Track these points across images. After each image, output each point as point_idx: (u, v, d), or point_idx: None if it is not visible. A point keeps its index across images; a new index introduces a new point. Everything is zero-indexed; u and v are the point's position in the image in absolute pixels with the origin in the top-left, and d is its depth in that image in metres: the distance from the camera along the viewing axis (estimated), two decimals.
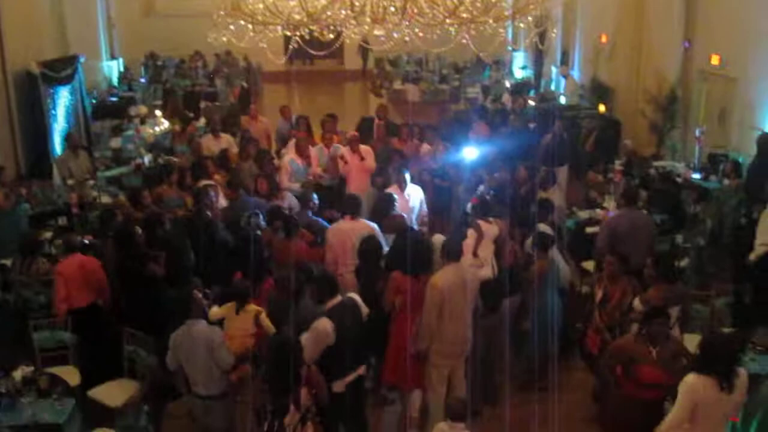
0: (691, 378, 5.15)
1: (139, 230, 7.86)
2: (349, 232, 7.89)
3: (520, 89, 18.90)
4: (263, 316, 6.56)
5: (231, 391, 6.30)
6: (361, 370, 6.30)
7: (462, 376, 6.90)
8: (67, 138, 12.39)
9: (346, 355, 6.13)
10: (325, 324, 6.04)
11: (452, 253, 6.70)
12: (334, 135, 11.48)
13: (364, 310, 6.41)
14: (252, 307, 6.55)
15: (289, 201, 9.26)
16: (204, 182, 9.36)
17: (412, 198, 9.44)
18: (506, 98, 17.69)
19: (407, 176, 9.48)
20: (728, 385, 5.07)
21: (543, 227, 8.03)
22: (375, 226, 8.08)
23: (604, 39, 17.53)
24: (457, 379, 6.87)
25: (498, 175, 10.05)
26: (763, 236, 8.27)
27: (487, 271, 7.56)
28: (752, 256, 8.28)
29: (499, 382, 7.47)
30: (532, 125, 13.66)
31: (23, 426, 5.85)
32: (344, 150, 10.69)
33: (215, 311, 6.62)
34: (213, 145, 11.72)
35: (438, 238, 7.93)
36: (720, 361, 5.12)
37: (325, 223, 8.60)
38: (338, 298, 6.28)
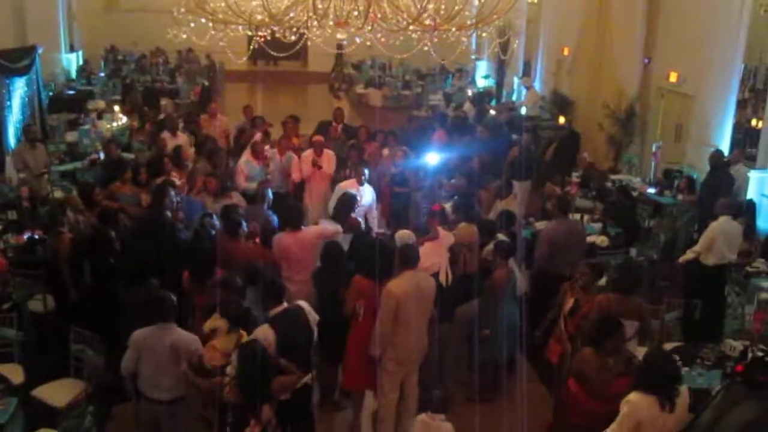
0: (633, 396, 5.12)
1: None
2: (292, 244, 7.75)
3: (481, 98, 19.03)
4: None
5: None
6: (307, 378, 6.08)
7: (415, 383, 6.85)
8: (25, 130, 12.12)
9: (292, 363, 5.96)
10: (265, 331, 5.92)
11: (409, 260, 6.64)
12: (292, 138, 11.43)
13: (313, 317, 6.30)
14: (241, 332, 6.19)
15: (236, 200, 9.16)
16: (162, 179, 9.24)
17: (366, 196, 9.52)
18: (467, 107, 17.80)
19: (365, 171, 9.62)
20: (669, 405, 5.07)
21: (501, 236, 8.06)
22: (317, 229, 8.06)
23: (566, 52, 17.75)
24: (410, 387, 6.82)
25: (455, 181, 10.09)
26: (698, 245, 8.75)
27: (441, 279, 7.54)
28: (681, 259, 8.98)
29: (450, 391, 7.45)
30: (497, 135, 13.72)
31: None
32: (307, 153, 10.61)
33: (209, 324, 6.27)
34: (170, 142, 11.55)
35: (403, 234, 7.92)
36: (661, 379, 5.12)
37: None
38: (283, 306, 6.17)
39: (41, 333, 8.18)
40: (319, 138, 10.90)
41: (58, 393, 6.66)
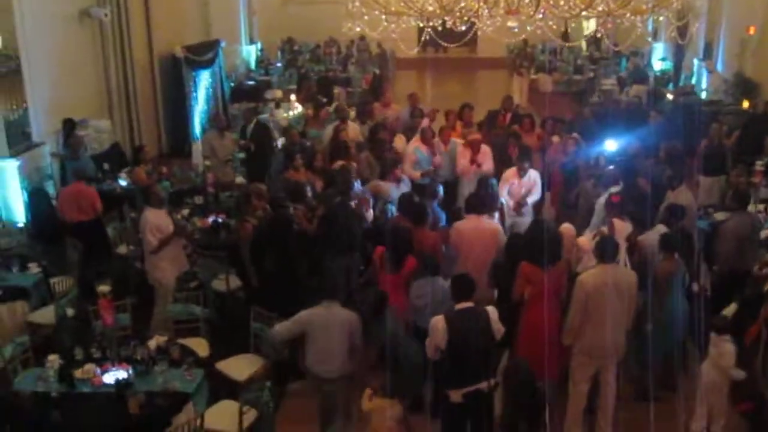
0: None
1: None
2: (473, 231, 7.81)
3: (657, 82, 18.25)
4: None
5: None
6: (483, 385, 5.87)
7: (611, 378, 6.68)
8: (214, 119, 12.86)
9: (465, 364, 5.87)
10: (437, 322, 5.88)
11: (606, 254, 6.51)
12: (456, 128, 11.47)
13: (497, 326, 5.98)
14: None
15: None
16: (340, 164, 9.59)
17: (525, 186, 9.51)
18: (635, 89, 17.10)
19: (526, 164, 9.56)
20: None
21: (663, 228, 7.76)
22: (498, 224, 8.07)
23: (752, 31, 16.61)
24: (605, 381, 6.68)
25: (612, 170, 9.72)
26: None
27: None
28: None
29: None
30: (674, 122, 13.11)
31: (156, 392, 6.17)
32: (462, 149, 10.58)
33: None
34: (355, 130, 11.84)
35: (567, 228, 7.84)
36: None
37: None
38: (467, 305, 5.99)
39: (224, 311, 8.75)
40: (475, 137, 10.71)
41: (239, 367, 7.10)
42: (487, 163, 10.33)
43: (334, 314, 6.30)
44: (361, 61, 23.46)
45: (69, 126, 11.31)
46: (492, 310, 5.99)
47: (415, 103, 12.82)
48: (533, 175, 9.71)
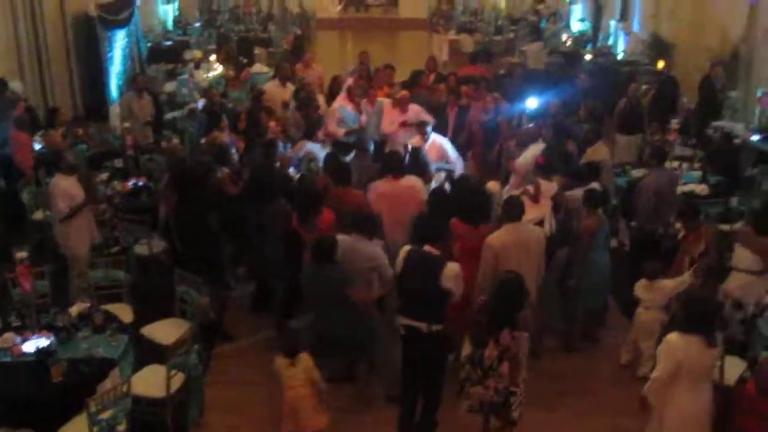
0: (673, 338, 5.19)
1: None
2: (393, 191, 7.81)
3: (576, 43, 18.57)
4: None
5: None
6: (422, 325, 5.90)
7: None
8: (133, 80, 12.52)
9: (408, 299, 6.06)
10: (402, 252, 6.08)
11: (512, 212, 6.62)
12: (383, 87, 11.44)
13: (448, 282, 5.92)
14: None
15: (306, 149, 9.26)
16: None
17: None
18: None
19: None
20: (714, 342, 5.17)
21: (595, 185, 7.94)
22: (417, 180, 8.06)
23: None
24: None
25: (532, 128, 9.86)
26: None
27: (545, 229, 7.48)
28: None
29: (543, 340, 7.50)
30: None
31: (79, 359, 6.04)
32: (389, 108, 10.55)
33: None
34: (278, 93, 11.73)
35: (494, 185, 7.96)
36: (705, 320, 5.18)
37: None
38: (431, 249, 6.07)
39: (148, 275, 8.60)
40: (404, 94, 10.70)
41: (165, 332, 6.97)
42: (422, 116, 10.11)
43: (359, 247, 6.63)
44: (282, 21, 23.09)
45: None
46: (451, 267, 5.92)
47: (365, 62, 12.71)
48: (438, 140, 9.55)
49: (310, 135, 9.60)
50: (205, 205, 7.93)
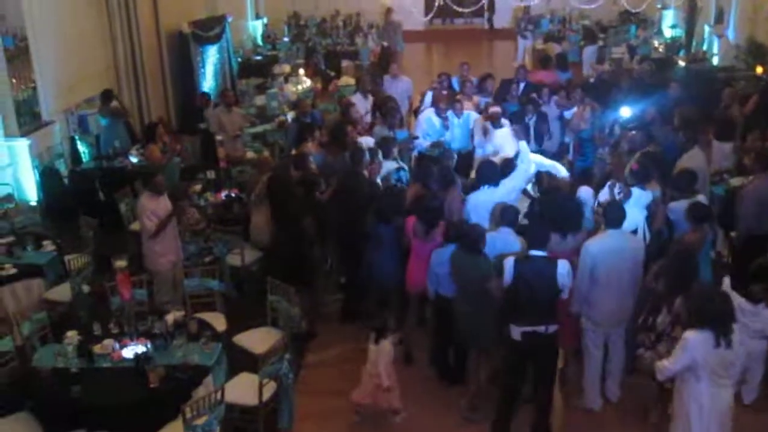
0: (689, 333, 5.21)
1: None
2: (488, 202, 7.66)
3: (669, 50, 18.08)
4: None
5: None
6: (541, 328, 6.02)
7: (619, 343, 6.70)
8: (222, 95, 12.81)
9: (525, 306, 6.07)
10: (507, 262, 6.09)
11: (613, 219, 6.48)
12: (472, 97, 11.38)
13: (563, 279, 6.05)
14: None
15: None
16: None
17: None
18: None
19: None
20: (725, 341, 5.14)
21: (701, 197, 7.67)
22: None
23: None
24: (613, 346, 6.71)
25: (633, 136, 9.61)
26: None
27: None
28: None
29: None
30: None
31: (175, 366, 6.17)
32: (479, 120, 10.51)
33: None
34: (362, 105, 11.79)
35: (585, 191, 7.81)
36: (716, 316, 5.18)
37: None
38: (540, 252, 6.11)
39: (240, 285, 8.75)
40: (495, 110, 10.52)
41: (257, 340, 7.09)
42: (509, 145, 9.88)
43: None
44: (371, 33, 23.19)
45: (106, 96, 11.71)
46: (563, 263, 6.05)
47: (465, 73, 12.70)
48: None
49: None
50: (298, 212, 8.03)
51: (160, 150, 10.74)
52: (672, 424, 5.62)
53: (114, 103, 11.89)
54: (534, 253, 6.10)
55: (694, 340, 5.16)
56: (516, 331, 6.07)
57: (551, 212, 7.09)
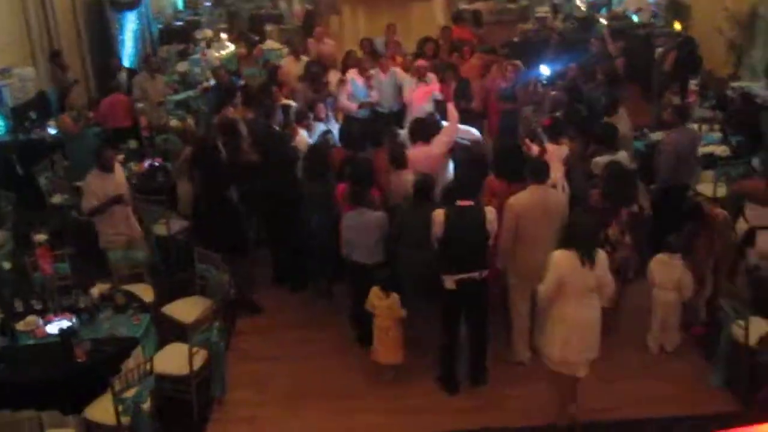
0: (556, 252, 5.65)
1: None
2: (426, 156, 7.74)
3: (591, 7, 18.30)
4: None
5: None
6: (475, 274, 6.21)
7: None
8: (146, 61, 12.49)
9: (458, 255, 6.22)
10: (437, 215, 6.21)
11: (536, 173, 6.54)
12: (395, 56, 11.35)
13: (491, 225, 6.28)
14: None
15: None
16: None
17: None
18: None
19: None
20: (589, 261, 5.53)
21: (623, 153, 7.85)
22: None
23: None
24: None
25: (556, 94, 9.77)
26: None
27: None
28: None
29: None
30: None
31: (102, 339, 6.06)
32: (404, 76, 10.56)
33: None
34: (293, 67, 11.62)
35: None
36: (581, 236, 5.60)
37: None
38: (468, 202, 6.28)
39: (167, 255, 8.62)
40: (422, 63, 10.64)
41: (186, 310, 7.01)
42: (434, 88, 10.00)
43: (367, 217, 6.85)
44: None
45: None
46: (489, 209, 6.30)
47: (391, 35, 12.67)
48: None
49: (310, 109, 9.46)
50: (225, 180, 7.94)
51: (73, 119, 10.38)
52: (540, 338, 6.04)
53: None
54: (462, 202, 6.23)
55: (560, 258, 5.59)
56: (450, 281, 6.22)
57: (499, 160, 7.33)
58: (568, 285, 5.58)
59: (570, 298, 5.63)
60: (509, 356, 6.97)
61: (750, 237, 7.09)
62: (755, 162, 9.19)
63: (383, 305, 6.63)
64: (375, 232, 6.84)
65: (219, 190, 7.90)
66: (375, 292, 6.67)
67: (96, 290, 6.62)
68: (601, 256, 5.69)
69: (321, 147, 8.12)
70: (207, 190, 7.98)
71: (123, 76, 12.15)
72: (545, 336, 5.86)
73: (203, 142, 8.48)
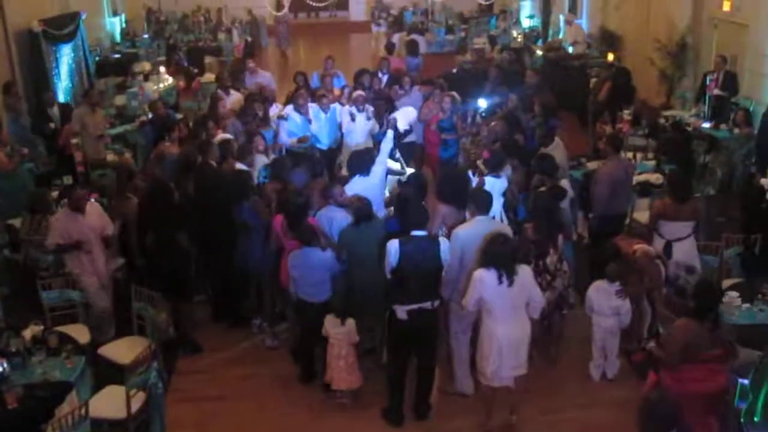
0: (476, 272, 5.92)
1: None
2: (364, 188, 7.74)
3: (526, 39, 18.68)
4: None
5: None
6: (427, 304, 6.20)
7: None
8: (86, 94, 12.23)
9: (411, 285, 6.17)
10: (391, 244, 6.18)
11: (480, 205, 6.61)
12: (333, 91, 11.40)
13: (445, 255, 6.28)
14: None
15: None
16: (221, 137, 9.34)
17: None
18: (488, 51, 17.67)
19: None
20: (508, 279, 5.82)
21: (564, 182, 7.98)
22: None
23: None
24: None
25: (494, 125, 9.90)
26: None
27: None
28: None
29: None
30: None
31: (35, 384, 5.86)
32: (345, 110, 10.60)
33: None
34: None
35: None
36: (499, 257, 5.87)
37: None
38: (421, 232, 6.29)
39: None
40: (360, 93, 10.74)
41: (123, 351, 6.82)
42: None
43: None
44: (236, 28, 22.82)
45: None
46: (443, 241, 6.34)
47: (328, 68, 12.70)
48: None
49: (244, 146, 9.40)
50: (177, 221, 7.75)
51: (6, 155, 10.12)
52: (477, 354, 6.27)
53: None
54: (416, 233, 6.24)
55: (480, 276, 5.87)
56: (402, 311, 6.20)
57: (446, 187, 7.39)
58: (489, 302, 5.89)
59: (496, 317, 5.93)
60: (451, 387, 6.95)
61: (667, 250, 7.46)
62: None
63: (341, 332, 6.64)
64: (322, 271, 6.79)
65: (171, 231, 7.70)
66: (330, 320, 6.69)
67: (29, 332, 6.41)
68: (524, 271, 5.99)
69: (241, 172, 8.23)
70: (158, 231, 7.76)
71: (55, 111, 11.85)
72: (480, 353, 6.16)
73: (158, 183, 8.17)
